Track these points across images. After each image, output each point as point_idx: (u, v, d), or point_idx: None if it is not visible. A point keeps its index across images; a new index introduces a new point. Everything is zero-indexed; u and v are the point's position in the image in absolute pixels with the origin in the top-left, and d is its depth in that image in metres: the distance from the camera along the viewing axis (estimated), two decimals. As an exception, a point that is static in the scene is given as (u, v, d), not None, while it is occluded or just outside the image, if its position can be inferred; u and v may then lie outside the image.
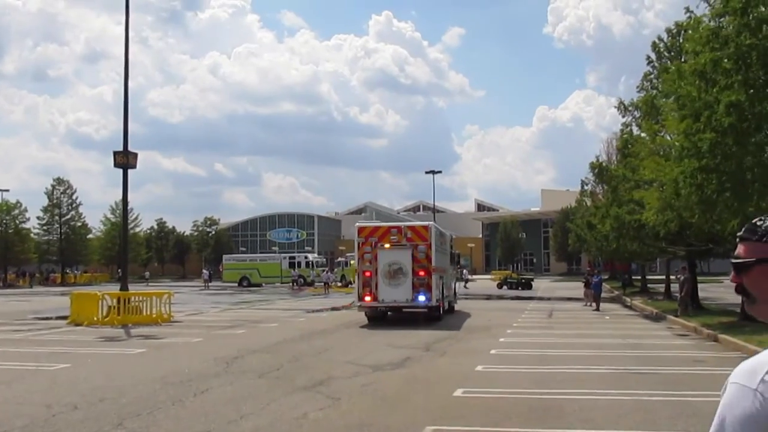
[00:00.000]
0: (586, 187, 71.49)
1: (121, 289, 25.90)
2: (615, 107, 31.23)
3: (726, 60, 12.26)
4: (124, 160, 26.09)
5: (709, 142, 12.56)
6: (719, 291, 44.40)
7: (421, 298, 23.60)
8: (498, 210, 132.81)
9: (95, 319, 24.02)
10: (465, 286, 57.12)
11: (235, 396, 10.79)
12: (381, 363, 14.25)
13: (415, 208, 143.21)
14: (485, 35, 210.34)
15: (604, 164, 30.68)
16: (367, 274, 23.92)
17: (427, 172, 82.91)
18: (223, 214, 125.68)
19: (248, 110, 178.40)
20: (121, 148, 25.92)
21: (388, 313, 25.32)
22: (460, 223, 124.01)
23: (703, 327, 20.57)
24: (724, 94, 12.41)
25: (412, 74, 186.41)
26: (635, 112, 30.71)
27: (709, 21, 13.89)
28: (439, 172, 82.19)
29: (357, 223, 26.81)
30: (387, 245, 23.93)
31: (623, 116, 31.05)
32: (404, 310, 24.76)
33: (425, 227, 24.92)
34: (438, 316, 24.82)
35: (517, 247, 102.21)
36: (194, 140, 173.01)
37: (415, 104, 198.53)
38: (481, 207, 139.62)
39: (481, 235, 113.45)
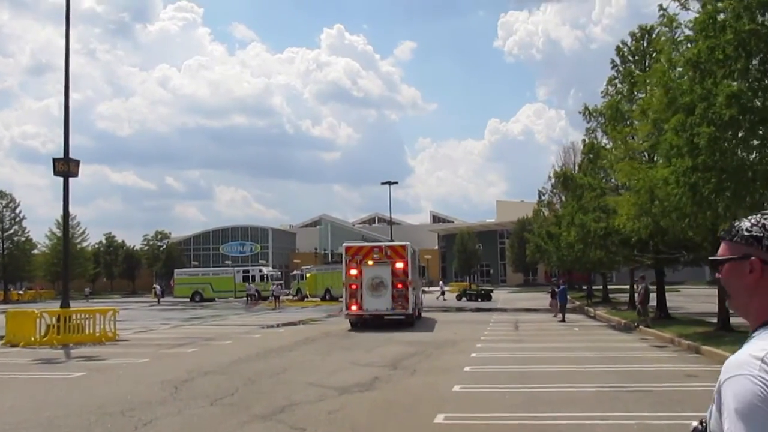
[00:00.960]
0: (543, 197, 71.54)
1: (62, 306, 24.08)
2: (579, 112, 30.48)
3: (725, 47, 11.30)
4: (65, 167, 24.36)
5: (707, 136, 11.57)
6: (679, 300, 44.05)
7: (399, 308, 27.30)
8: (453, 222, 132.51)
9: (33, 339, 22.21)
10: (442, 298, 56.28)
11: (184, 428, 9.39)
12: (347, 384, 12.92)
13: (370, 221, 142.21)
14: (437, 49, 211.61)
15: (569, 173, 29.73)
16: (353, 287, 27.32)
17: (383, 183, 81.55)
18: (175, 229, 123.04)
19: (199, 123, 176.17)
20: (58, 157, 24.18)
21: (369, 320, 27.79)
22: (416, 235, 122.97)
23: (681, 338, 19.70)
24: (723, 84, 11.47)
25: (365, 87, 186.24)
26: (599, 118, 29.92)
27: (703, 6, 12.97)
28: (395, 183, 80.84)
29: (345, 243, 30.18)
30: (370, 262, 27.39)
31: (588, 121, 30.30)
32: (385, 317, 27.89)
33: (403, 246, 28.42)
34: (412, 322, 28.22)
35: (474, 259, 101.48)
36: (144, 154, 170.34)
37: (367, 117, 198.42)
38: (436, 219, 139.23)
39: (437, 247, 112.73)
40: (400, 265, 27.40)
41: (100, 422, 9.74)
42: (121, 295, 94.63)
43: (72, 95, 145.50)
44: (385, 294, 27.14)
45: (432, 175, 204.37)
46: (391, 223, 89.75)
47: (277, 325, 30.77)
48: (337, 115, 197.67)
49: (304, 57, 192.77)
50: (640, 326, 25.64)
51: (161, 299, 66.19)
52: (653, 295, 28.17)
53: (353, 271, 27.42)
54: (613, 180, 30.51)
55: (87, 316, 23.79)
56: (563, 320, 30.85)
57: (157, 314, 44.07)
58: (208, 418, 10.01)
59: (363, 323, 27.65)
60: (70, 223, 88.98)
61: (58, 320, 23.01)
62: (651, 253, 27.39)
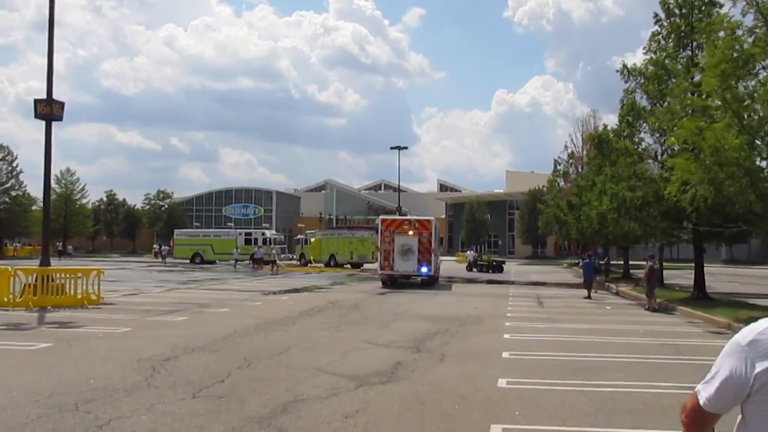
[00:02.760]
0: (559, 167, 68.83)
1: (41, 265, 21.66)
2: (617, 71, 27.63)
3: None
4: (47, 109, 21.86)
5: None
6: (689, 277, 41.50)
7: (424, 269, 33.15)
8: (461, 191, 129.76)
9: (5, 299, 19.80)
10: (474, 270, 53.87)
11: (151, 434, 6.96)
12: (364, 372, 10.48)
13: (377, 187, 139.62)
14: (446, 17, 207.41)
15: (604, 135, 27.00)
16: (387, 252, 33.09)
17: (392, 148, 78.99)
18: (180, 190, 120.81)
19: (205, 84, 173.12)
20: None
21: (399, 279, 33.65)
22: (423, 203, 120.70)
23: (740, 323, 17.20)
24: None
25: (372, 53, 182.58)
26: (639, 78, 27.16)
27: None
28: (405, 147, 78.18)
29: (381, 217, 37.74)
30: (401, 232, 33.29)
31: (626, 81, 27.47)
32: (411, 278, 33.81)
33: (428, 221, 34.63)
34: (433, 282, 34.62)
35: (483, 229, 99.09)
36: (149, 113, 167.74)
37: (374, 84, 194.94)
38: (443, 187, 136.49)
39: (444, 216, 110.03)
40: (425, 235, 33.28)
41: (40, 421, 7.30)
42: (121, 254, 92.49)
43: (77, 52, 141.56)
44: (412, 258, 32.87)
45: (437, 144, 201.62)
46: (399, 189, 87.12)
47: (280, 292, 28.42)
48: (344, 81, 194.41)
49: (311, 21, 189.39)
50: (648, 309, 23.40)
51: (166, 259, 63.99)
52: (667, 273, 25.61)
53: (387, 239, 33.17)
54: (652, 145, 27.91)
55: (68, 276, 21.31)
56: (588, 296, 28.42)
57: (154, 275, 41.76)
58: (185, 418, 7.55)
59: (393, 282, 33.33)
60: (69, 178, 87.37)
61: (37, 280, 20.59)
62: (693, 226, 24.78)
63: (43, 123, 21.89)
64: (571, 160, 67.88)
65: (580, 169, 66.57)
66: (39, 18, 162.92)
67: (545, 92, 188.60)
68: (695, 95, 20.52)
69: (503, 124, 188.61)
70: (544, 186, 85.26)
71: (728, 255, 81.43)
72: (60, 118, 22.36)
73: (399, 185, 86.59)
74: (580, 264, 30.26)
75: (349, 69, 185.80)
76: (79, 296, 20.87)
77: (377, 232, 34.75)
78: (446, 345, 13.68)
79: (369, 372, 10.48)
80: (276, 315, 18.82)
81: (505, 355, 12.44)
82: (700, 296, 26.04)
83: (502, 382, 9.81)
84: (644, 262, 25.40)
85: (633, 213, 26.03)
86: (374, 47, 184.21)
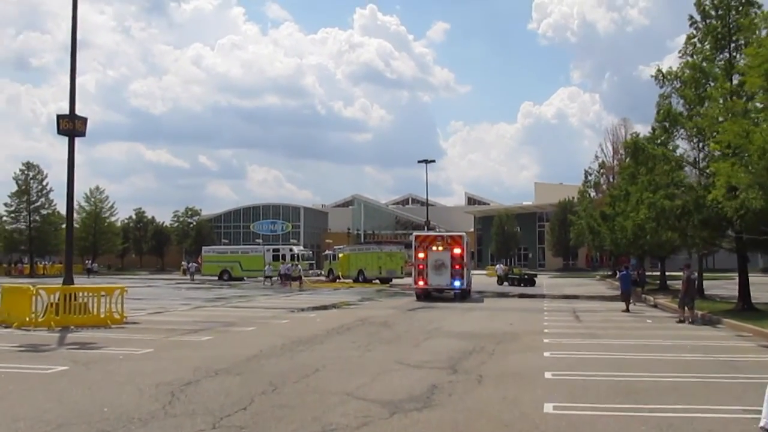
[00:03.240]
0: (590, 178, 67.66)
1: (64, 283, 21.21)
2: (652, 76, 26.69)
3: None
4: (70, 125, 21.46)
5: None
6: (729, 287, 40.21)
7: (456, 283, 34.03)
8: (489, 204, 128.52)
9: (27, 319, 19.32)
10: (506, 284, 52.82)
11: (163, 473, 6.25)
12: (397, 397, 9.71)
13: (404, 201, 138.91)
14: (470, 31, 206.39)
15: (641, 142, 26.04)
16: (421, 266, 34.03)
17: (419, 161, 78.06)
18: (208, 207, 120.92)
19: (232, 102, 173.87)
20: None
21: (432, 293, 34.54)
22: (451, 217, 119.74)
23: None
24: None
25: (397, 68, 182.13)
26: (675, 82, 26.21)
27: None
28: (433, 161, 77.29)
29: (414, 233, 37.49)
30: (434, 248, 34.15)
31: (661, 86, 26.51)
32: (444, 291, 34.70)
33: (460, 236, 35.38)
34: (466, 296, 35.24)
35: (512, 242, 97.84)
36: (178, 132, 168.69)
37: (400, 99, 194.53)
38: (471, 200, 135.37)
39: (473, 229, 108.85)
40: (457, 250, 34.09)
41: (43, 458, 6.64)
42: (149, 271, 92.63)
43: (107, 72, 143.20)
44: (445, 273, 33.69)
45: (464, 158, 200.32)
46: (427, 203, 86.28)
47: (308, 309, 27.74)
48: (370, 97, 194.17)
49: (336, 37, 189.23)
50: (685, 321, 22.54)
51: (194, 277, 63.71)
52: (705, 283, 24.54)
53: (421, 255, 34.08)
54: (689, 151, 26.93)
55: (91, 295, 20.78)
56: (627, 309, 27.36)
57: (181, 293, 41.34)
58: (203, 454, 6.84)
59: (426, 296, 34.20)
60: (98, 196, 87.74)
61: (62, 299, 20.08)
62: (736, 234, 23.73)
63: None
64: (602, 170, 66.74)
65: (611, 179, 65.41)
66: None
67: (571, 104, 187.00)
68: (736, 97, 19.58)
69: (530, 136, 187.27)
70: (573, 197, 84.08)
71: (766, 263, 79.47)
72: (83, 134, 21.96)
73: (427, 199, 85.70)
74: (617, 276, 29.23)
75: (374, 84, 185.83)
76: (103, 315, 20.33)
77: (411, 247, 35.76)
78: (483, 365, 12.86)
79: (403, 397, 9.70)
80: (303, 333, 18.12)
81: (548, 375, 11.60)
82: (745, 307, 24.91)
83: (548, 407, 8.98)
84: (680, 273, 24.37)
85: (672, 222, 25.00)
86: (399, 62, 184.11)
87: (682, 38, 26.33)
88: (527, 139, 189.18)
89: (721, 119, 18.53)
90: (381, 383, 10.91)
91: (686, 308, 23.20)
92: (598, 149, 69.53)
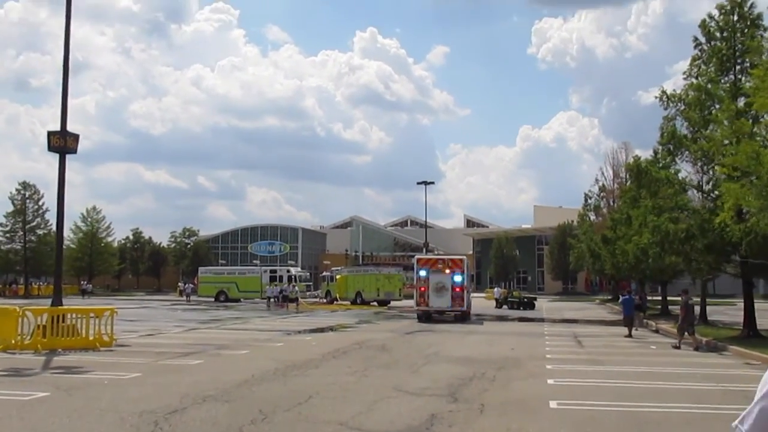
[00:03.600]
0: (589, 201, 67.25)
1: (53, 304, 20.60)
2: (656, 97, 26.35)
3: None
4: (61, 142, 21.03)
5: None
6: (740, 314, 39.64)
7: (457, 305, 34.57)
8: (488, 226, 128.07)
9: (13, 342, 18.73)
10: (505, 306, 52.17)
11: None
12: (394, 428, 9.17)
13: (403, 223, 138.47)
14: (470, 54, 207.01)
15: (644, 165, 25.62)
16: (422, 289, 34.70)
17: (419, 183, 77.99)
18: (206, 228, 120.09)
19: (231, 123, 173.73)
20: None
21: (433, 315, 35.08)
22: (449, 239, 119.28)
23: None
24: None
25: (397, 91, 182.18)
26: (679, 104, 25.84)
27: None
28: (432, 183, 76.98)
29: (417, 256, 39.74)
30: (435, 270, 34.75)
31: (665, 108, 26.15)
32: (445, 313, 35.39)
33: (461, 259, 36.49)
34: (466, 318, 35.64)
35: (511, 265, 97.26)
36: (177, 153, 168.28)
37: (399, 121, 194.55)
38: (470, 223, 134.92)
39: (471, 252, 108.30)
40: (458, 273, 34.71)
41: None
42: (146, 292, 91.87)
43: (107, 93, 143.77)
44: (446, 295, 34.28)
45: (462, 180, 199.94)
46: (426, 225, 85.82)
47: (303, 332, 27.17)
48: (369, 119, 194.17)
49: (336, 60, 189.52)
50: (682, 347, 22.12)
51: (191, 298, 62.94)
52: (711, 309, 24.02)
53: (422, 278, 34.86)
54: (693, 175, 26.55)
55: (80, 316, 20.20)
56: (629, 335, 26.80)
57: (176, 314, 40.71)
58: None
59: (428, 318, 34.70)
60: (95, 216, 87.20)
61: (50, 321, 19.50)
62: (741, 259, 23.22)
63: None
64: (602, 194, 66.35)
65: (612, 203, 65.02)
66: (71, 61, 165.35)
67: (570, 128, 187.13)
68: (743, 119, 19.17)
69: (528, 159, 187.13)
70: (573, 221, 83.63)
71: (765, 290, 78.90)
72: (74, 151, 21.55)
73: (426, 221, 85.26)
74: (620, 300, 28.66)
75: (373, 107, 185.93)
76: (92, 338, 19.73)
77: (410, 269, 37.77)
78: (485, 393, 12.29)
79: (400, 428, 9.16)
80: (298, 357, 17.53)
81: (553, 405, 11.04)
82: (750, 334, 24.37)
83: (556, 442, 8.43)
84: (685, 298, 23.87)
85: (677, 246, 24.49)
86: (399, 85, 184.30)
87: (680, 65, 26.33)
88: (526, 163, 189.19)
89: (726, 142, 18.08)
90: (377, 412, 10.35)
91: (686, 333, 22.74)
92: (598, 172, 69.20)
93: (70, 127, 21.17)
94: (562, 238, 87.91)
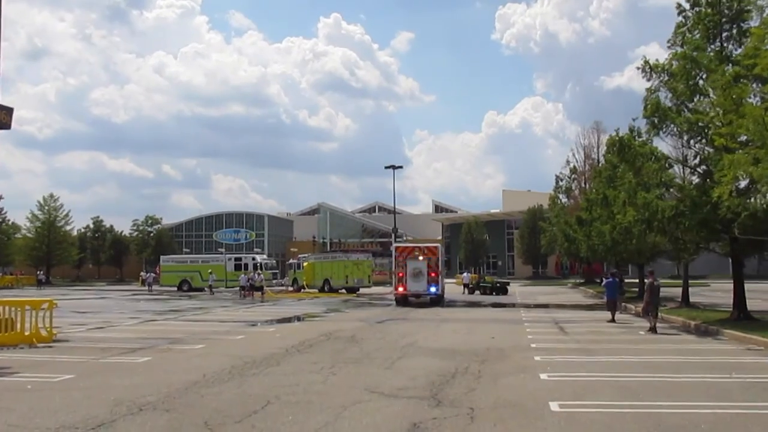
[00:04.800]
0: (561, 183, 66.06)
1: (-14, 297, 18.53)
2: (638, 68, 24.80)
3: None
4: (-9, 116, 18.76)
5: None
6: (719, 296, 38.66)
7: (432, 289, 36.96)
8: (457, 211, 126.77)
9: (-63, 339, 16.68)
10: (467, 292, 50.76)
11: None
12: (370, 443, 7.43)
13: (371, 209, 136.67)
14: (434, 40, 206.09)
15: (627, 139, 24.05)
16: (401, 274, 36.89)
17: (386, 167, 76.24)
18: (172, 217, 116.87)
19: (195, 111, 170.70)
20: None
21: (410, 298, 37.24)
22: (418, 225, 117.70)
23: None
24: None
25: (362, 78, 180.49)
26: (663, 75, 24.33)
27: None
28: (400, 167, 75.14)
29: (395, 244, 42.46)
30: (412, 257, 37.04)
31: (648, 79, 24.62)
32: (421, 297, 37.32)
33: (436, 247, 39.01)
34: (441, 301, 37.68)
35: (481, 250, 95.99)
36: (141, 141, 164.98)
37: (365, 108, 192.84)
38: (438, 208, 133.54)
39: (441, 237, 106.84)
40: (433, 259, 37.11)
41: None
42: (108, 282, 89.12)
43: (68, 80, 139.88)
44: (422, 280, 36.61)
45: (429, 166, 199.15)
46: (395, 211, 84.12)
47: (267, 323, 25.36)
48: (335, 106, 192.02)
49: (301, 46, 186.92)
50: (655, 330, 21.10)
51: (152, 287, 60.56)
52: (709, 289, 22.71)
53: (400, 264, 36.99)
54: (677, 150, 25.15)
55: (15, 309, 18.13)
56: (612, 320, 25.39)
57: (134, 305, 38.56)
58: None
59: (405, 301, 36.95)
60: (52, 204, 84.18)
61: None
62: (738, 235, 21.79)
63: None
64: (573, 176, 65.20)
65: (583, 185, 63.91)
66: (30, 47, 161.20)
67: (535, 113, 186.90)
68: (741, 83, 17.67)
69: (494, 145, 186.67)
70: (541, 205, 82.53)
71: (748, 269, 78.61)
72: (8, 127, 19.30)
73: (394, 206, 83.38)
74: (603, 283, 27.23)
75: (339, 93, 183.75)
76: (28, 333, 17.72)
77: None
78: (472, 393, 10.60)
79: (376, 443, 7.42)
80: (258, 352, 15.72)
81: (554, 407, 9.37)
82: (741, 317, 23.03)
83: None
84: (651, 281, 22.62)
85: (664, 225, 23.00)
86: (364, 71, 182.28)
87: (642, 50, 24.70)
88: (492, 149, 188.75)
89: (718, 111, 16.58)
90: (347, 422, 8.59)
91: (644, 316, 21.71)
92: (569, 154, 67.93)
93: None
94: (533, 222, 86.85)
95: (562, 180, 66.02)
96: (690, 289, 40.28)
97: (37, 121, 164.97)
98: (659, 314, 22.13)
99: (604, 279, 29.93)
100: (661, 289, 22.80)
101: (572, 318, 27.66)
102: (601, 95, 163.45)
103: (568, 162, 65.89)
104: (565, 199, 65.52)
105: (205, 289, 56.99)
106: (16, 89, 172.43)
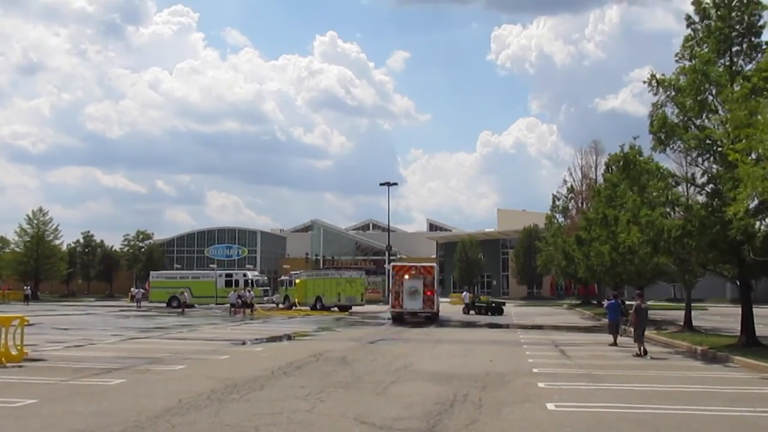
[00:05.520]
0: (558, 202, 65.14)
1: (-46, 311, 17.43)
2: (644, 82, 23.91)
3: None
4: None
5: None
6: (718, 320, 37.75)
7: (427, 308, 37.65)
8: (451, 230, 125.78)
9: None
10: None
11: None
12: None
13: (365, 227, 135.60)
14: (429, 60, 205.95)
15: (632, 155, 23.15)
16: (397, 292, 37.67)
17: (381, 184, 75.60)
18: (166, 233, 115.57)
19: (190, 127, 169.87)
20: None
21: (405, 316, 38.11)
22: (412, 243, 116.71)
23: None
24: None
25: (358, 96, 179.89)
26: (669, 90, 23.48)
27: None
28: (395, 184, 74.60)
29: (392, 263, 44.11)
30: (407, 276, 37.88)
31: (655, 93, 23.75)
32: (417, 315, 38.08)
33: (432, 266, 39.65)
34: (436, 319, 38.64)
35: (476, 269, 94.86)
36: (134, 157, 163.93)
37: (360, 126, 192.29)
38: (433, 227, 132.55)
39: (435, 255, 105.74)
40: (429, 278, 37.91)
41: None
42: (97, 298, 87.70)
43: (62, 95, 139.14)
44: (418, 298, 37.42)
45: (423, 186, 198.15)
46: (389, 228, 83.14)
47: (255, 342, 24.28)
48: (330, 123, 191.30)
49: (296, 64, 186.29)
50: (643, 355, 20.33)
51: (141, 303, 59.27)
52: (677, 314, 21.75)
53: (397, 282, 37.91)
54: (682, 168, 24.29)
55: (-16, 326, 17.02)
56: (614, 343, 24.37)
57: (119, 322, 37.39)
58: None
59: (401, 319, 37.67)
60: (41, 218, 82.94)
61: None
62: (750, 257, 20.82)
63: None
64: (570, 195, 64.32)
65: (581, 204, 63.07)
66: (24, 62, 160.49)
67: (530, 134, 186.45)
68: (760, 97, 16.80)
69: (488, 165, 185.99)
70: (536, 225, 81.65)
71: (733, 294, 77.71)
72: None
73: (389, 223, 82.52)
74: (605, 305, 26.24)
75: (334, 111, 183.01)
76: (-3, 351, 16.62)
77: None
78: (474, 425, 9.58)
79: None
80: (242, 375, 14.66)
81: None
82: (749, 342, 22.04)
83: None
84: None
85: (671, 245, 22.04)
86: (359, 90, 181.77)
87: (637, 73, 23.93)
88: (486, 168, 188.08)
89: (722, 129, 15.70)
90: (334, 460, 7.57)
91: (635, 340, 21.08)
92: (566, 173, 67.00)
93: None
94: (528, 242, 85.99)
95: (558, 199, 65.07)
96: (680, 312, 39.45)
97: (31, 136, 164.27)
98: (643, 338, 21.27)
99: (606, 301, 28.90)
100: (660, 312, 22.13)
101: (572, 340, 26.64)
102: (595, 117, 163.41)
103: (565, 181, 64.98)
104: (562, 219, 64.60)
105: (175, 305, 55.55)
106: (10, 103, 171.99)
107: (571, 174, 65.78)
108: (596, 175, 60.82)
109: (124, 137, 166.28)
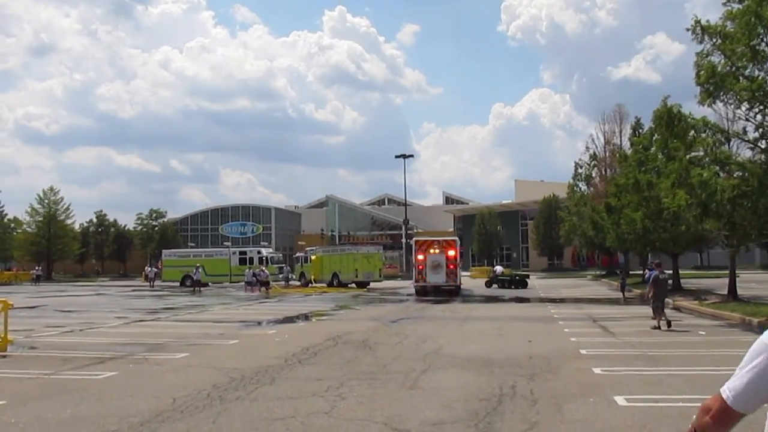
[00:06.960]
0: (580, 170, 62.79)
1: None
2: (687, 29, 21.72)
3: None
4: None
5: None
6: (754, 288, 35.62)
7: (451, 281, 38.49)
8: (468, 203, 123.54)
9: None
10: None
11: None
12: None
13: (380, 202, 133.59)
14: (440, 33, 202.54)
15: (674, 110, 21.03)
16: (420, 267, 38.55)
17: (397, 156, 73.82)
18: (180, 211, 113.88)
19: (202, 106, 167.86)
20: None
21: (428, 290, 38.44)
22: (429, 217, 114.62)
23: None
24: None
25: (369, 71, 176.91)
26: (716, 38, 21.29)
27: None
28: (411, 156, 72.56)
29: (414, 238, 43.46)
30: (431, 250, 38.60)
31: (700, 42, 21.58)
32: (441, 288, 38.41)
33: (454, 240, 40.58)
34: (459, 292, 39.16)
35: (495, 241, 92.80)
36: (148, 136, 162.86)
37: (371, 101, 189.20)
38: (449, 200, 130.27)
39: (452, 228, 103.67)
40: (451, 252, 38.70)
41: None
42: (111, 277, 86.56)
43: (74, 76, 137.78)
44: (441, 272, 38.16)
45: (437, 159, 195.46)
46: (406, 201, 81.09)
47: (268, 323, 22.51)
48: (341, 99, 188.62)
49: (306, 40, 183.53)
50: (660, 327, 18.88)
51: (154, 283, 57.89)
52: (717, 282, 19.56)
53: (420, 257, 38.70)
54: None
55: (-35, 312, 15.25)
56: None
57: (127, 303, 35.81)
58: None
59: (424, 292, 38.26)
60: (53, 197, 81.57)
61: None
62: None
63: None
64: (593, 162, 61.94)
65: (604, 171, 60.81)
66: (36, 43, 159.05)
67: (542, 104, 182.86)
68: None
69: (501, 137, 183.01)
70: (556, 194, 79.43)
71: (763, 260, 75.40)
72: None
73: (405, 196, 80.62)
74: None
75: (346, 86, 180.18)
76: (-21, 340, 14.86)
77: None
78: (535, 430, 7.64)
79: None
80: (250, 364, 12.81)
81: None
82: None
83: None
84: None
85: (723, 208, 19.95)
86: (370, 64, 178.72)
87: (649, 40, 21.73)
88: (499, 141, 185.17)
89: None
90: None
91: (654, 312, 19.61)
92: (588, 139, 64.43)
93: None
94: (548, 212, 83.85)
95: (581, 167, 62.71)
96: (720, 281, 37.37)
97: (45, 117, 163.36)
98: (663, 310, 19.69)
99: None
100: (691, 281, 20.27)
101: (610, 314, 24.70)
102: (608, 86, 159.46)
103: (587, 148, 62.58)
104: (585, 187, 62.31)
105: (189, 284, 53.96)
106: (23, 85, 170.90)
107: (593, 140, 63.39)
108: (621, 141, 58.40)
109: (137, 117, 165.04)
